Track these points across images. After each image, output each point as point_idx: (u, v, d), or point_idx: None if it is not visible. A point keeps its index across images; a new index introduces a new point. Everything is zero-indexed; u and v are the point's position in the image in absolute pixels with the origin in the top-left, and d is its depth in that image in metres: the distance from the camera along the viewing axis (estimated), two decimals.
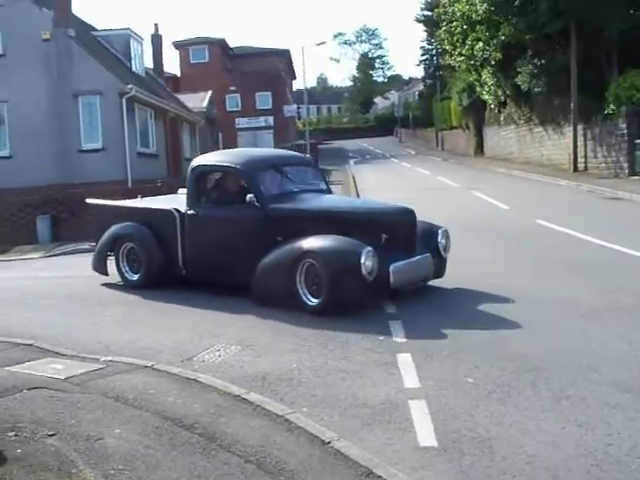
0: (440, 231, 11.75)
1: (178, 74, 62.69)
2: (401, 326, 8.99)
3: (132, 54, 34.32)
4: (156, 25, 44.32)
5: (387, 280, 10.35)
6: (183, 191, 13.28)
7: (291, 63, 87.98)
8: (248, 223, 11.51)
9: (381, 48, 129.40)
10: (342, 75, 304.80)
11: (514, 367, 7.19)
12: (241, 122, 64.10)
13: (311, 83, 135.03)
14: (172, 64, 65.79)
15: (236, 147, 60.00)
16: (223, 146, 55.73)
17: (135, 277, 12.87)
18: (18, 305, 12.10)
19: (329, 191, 13.08)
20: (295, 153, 16.01)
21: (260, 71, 65.17)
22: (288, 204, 11.60)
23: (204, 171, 12.66)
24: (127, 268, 13.03)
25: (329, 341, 8.53)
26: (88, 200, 14.79)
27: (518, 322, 8.96)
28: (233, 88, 63.31)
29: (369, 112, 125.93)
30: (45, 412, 6.21)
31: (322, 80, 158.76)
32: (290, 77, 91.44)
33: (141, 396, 6.59)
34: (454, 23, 39.09)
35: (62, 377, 7.32)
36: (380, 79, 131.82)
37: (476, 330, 8.74)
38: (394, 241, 10.78)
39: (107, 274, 13.40)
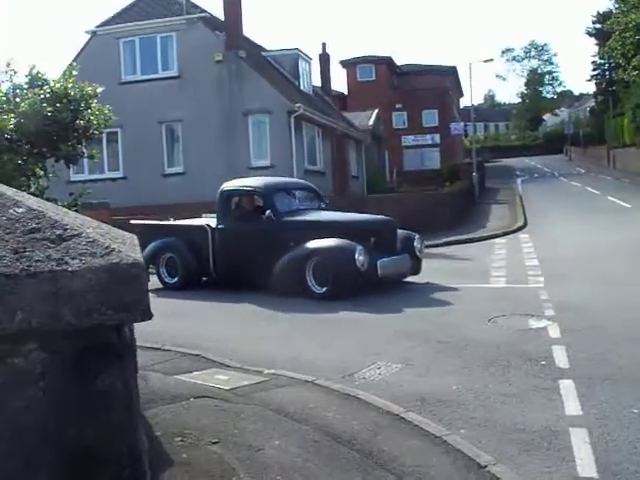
0: (416, 237, 15.44)
1: (345, 92, 63.47)
2: (564, 351, 8.74)
3: (300, 73, 35.06)
4: (324, 44, 45.01)
5: (375, 272, 13.85)
6: (207, 215, 16.87)
7: (458, 80, 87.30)
8: (266, 233, 14.83)
9: (551, 64, 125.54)
10: (510, 92, 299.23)
11: None
12: (407, 140, 64.03)
13: (479, 100, 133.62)
14: (340, 82, 66.78)
15: (402, 165, 60.29)
16: (389, 164, 55.99)
17: (173, 280, 16.02)
18: (186, 316, 12.59)
19: (327, 208, 16.59)
20: (301, 180, 19.28)
21: (427, 88, 65.07)
22: (297, 217, 15.24)
23: (230, 194, 16.13)
24: (166, 274, 16.12)
25: (491, 364, 8.41)
26: (132, 221, 16.65)
27: None
28: (399, 106, 63.44)
29: (538, 129, 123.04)
30: (209, 420, 6.42)
31: (490, 97, 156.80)
32: (457, 94, 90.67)
33: (301, 410, 6.72)
34: (627, 34, 37.56)
35: (227, 387, 7.56)
36: (549, 95, 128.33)
37: None
38: (380, 243, 14.49)
39: (148, 280, 14.41)
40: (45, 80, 6.01)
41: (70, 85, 6.00)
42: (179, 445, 5.82)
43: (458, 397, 7.22)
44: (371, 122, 49.25)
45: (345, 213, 16.50)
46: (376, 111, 51.52)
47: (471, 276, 15.90)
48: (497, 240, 24.06)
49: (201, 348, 9.59)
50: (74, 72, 6.24)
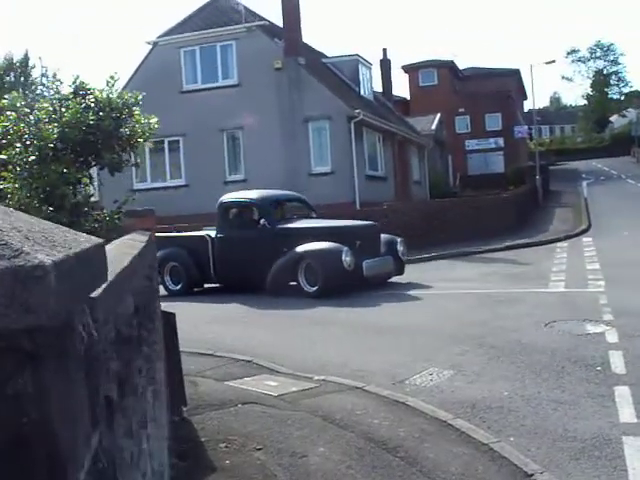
0: (399, 240, 16.99)
1: (407, 97, 63.25)
2: (622, 357, 8.52)
3: (360, 79, 35.02)
4: (384, 50, 44.88)
5: (361, 272, 15.28)
6: (207, 228, 18.21)
7: (521, 83, 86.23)
8: (262, 240, 16.13)
9: (617, 64, 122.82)
10: (576, 94, 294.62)
11: None
12: (470, 144, 63.44)
13: (544, 103, 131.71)
14: (402, 87, 66.51)
15: (466, 169, 59.82)
16: (452, 168, 55.61)
17: (177, 287, 17.33)
18: (240, 322, 12.68)
19: (317, 216, 17.91)
20: (293, 193, 20.01)
21: (489, 92, 64.39)
22: (289, 225, 16.80)
23: (229, 205, 17.61)
24: (170, 281, 17.44)
25: (544, 369, 8.24)
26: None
27: None
28: (462, 110, 62.91)
29: (604, 131, 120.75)
30: (255, 427, 6.42)
31: (555, 100, 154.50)
32: (521, 97, 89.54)
33: (348, 416, 6.67)
34: None
35: (275, 394, 7.56)
36: (616, 96, 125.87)
37: None
38: (364, 246, 15.81)
39: None
40: (89, 89, 6.08)
41: (113, 94, 6.02)
42: (223, 451, 5.83)
43: (509, 403, 7.08)
44: (433, 127, 49.00)
45: (332, 220, 17.79)
46: (438, 116, 51.24)
47: (529, 280, 15.69)
48: (559, 244, 23.71)
49: (252, 354, 9.61)
50: (117, 80, 6.26)
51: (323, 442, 6.00)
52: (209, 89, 29.75)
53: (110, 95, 6.21)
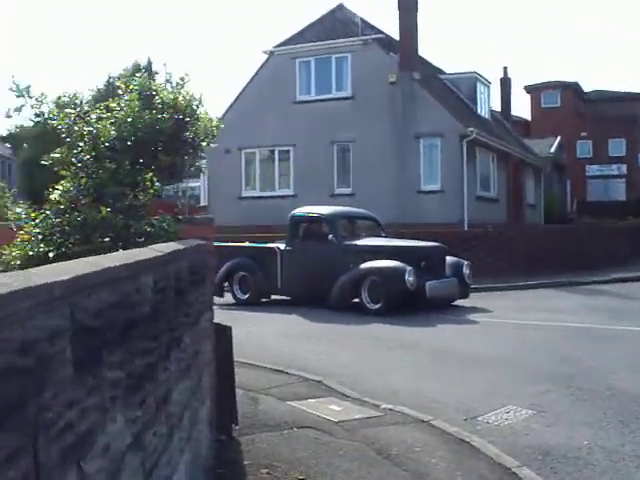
0: (465, 264, 17.01)
1: (528, 118, 61.84)
2: None
3: (478, 97, 34.23)
4: (505, 68, 43.87)
5: (424, 293, 15.40)
6: (278, 241, 18.49)
7: None
8: (329, 255, 16.64)
9: None
10: None
11: None
12: (591, 169, 61.45)
13: None
14: (523, 108, 65.05)
15: (585, 195, 58.07)
16: (571, 194, 54.01)
17: (245, 296, 17.81)
18: (312, 338, 12.53)
19: (386, 235, 18.16)
20: (364, 210, 19.90)
21: (615, 116, 62.26)
22: (357, 242, 17.18)
23: (299, 219, 18.02)
24: (239, 290, 17.99)
25: (633, 419, 7.47)
26: (215, 243, 18.28)
27: None
28: (584, 134, 61.04)
29: None
30: (304, 454, 6.06)
31: None
32: None
33: (405, 452, 6.22)
34: None
35: (335, 420, 7.18)
36: None
37: None
38: (429, 267, 16.01)
39: (223, 296, 17.40)
40: (155, 90, 5.87)
41: (181, 95, 5.81)
42: (263, 478, 5.50)
43: (587, 454, 6.40)
44: (553, 149, 47.72)
45: (399, 239, 18.05)
46: (558, 138, 49.88)
47: (633, 318, 14.67)
48: None
49: (324, 373, 9.27)
50: (187, 82, 6.03)
51: (371, 479, 5.58)
52: (322, 100, 29.60)
53: (176, 97, 5.98)
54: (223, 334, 6.39)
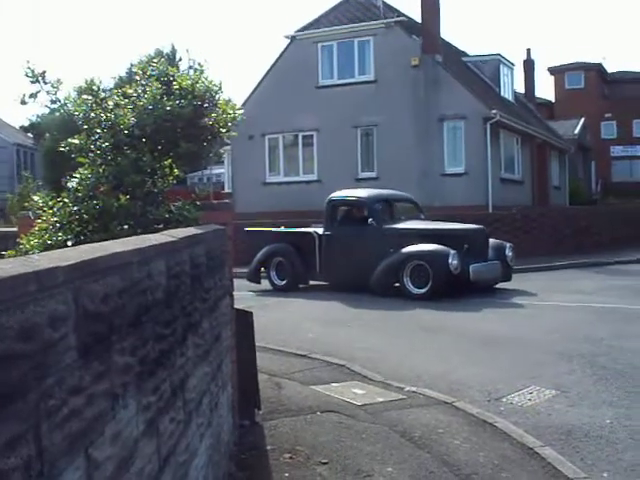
0: (508, 246, 16.71)
1: (552, 100, 61.30)
2: None
3: (501, 80, 33.96)
4: (528, 50, 43.50)
5: (468, 276, 15.03)
6: (315, 225, 18.00)
7: None
8: (368, 239, 16.29)
9: None
10: None
11: None
12: (616, 150, 60.86)
13: None
14: (546, 90, 64.41)
15: (610, 176, 57.56)
16: (595, 175, 53.54)
17: (282, 282, 17.48)
18: (342, 323, 12.50)
19: (425, 218, 17.75)
20: (403, 193, 19.44)
21: (639, 96, 61.55)
22: (396, 225, 16.73)
23: (337, 203, 17.57)
24: (275, 276, 17.66)
25: None
26: (246, 228, 18.61)
27: None
28: (609, 115, 60.36)
29: None
30: (327, 438, 6.06)
31: None
32: None
33: (428, 434, 6.20)
34: None
35: (358, 403, 7.17)
36: None
37: None
38: (472, 249, 15.63)
39: (259, 283, 17.65)
40: (172, 75, 5.84)
41: (200, 81, 5.76)
42: (286, 462, 5.50)
43: (609, 433, 6.37)
44: (577, 131, 47.29)
45: (440, 222, 17.47)
46: (582, 120, 49.40)
47: None
48: None
49: (349, 358, 9.27)
50: (206, 68, 5.99)
51: (393, 461, 5.56)
52: (345, 85, 29.49)
53: (194, 83, 5.94)
54: (244, 319, 6.38)
